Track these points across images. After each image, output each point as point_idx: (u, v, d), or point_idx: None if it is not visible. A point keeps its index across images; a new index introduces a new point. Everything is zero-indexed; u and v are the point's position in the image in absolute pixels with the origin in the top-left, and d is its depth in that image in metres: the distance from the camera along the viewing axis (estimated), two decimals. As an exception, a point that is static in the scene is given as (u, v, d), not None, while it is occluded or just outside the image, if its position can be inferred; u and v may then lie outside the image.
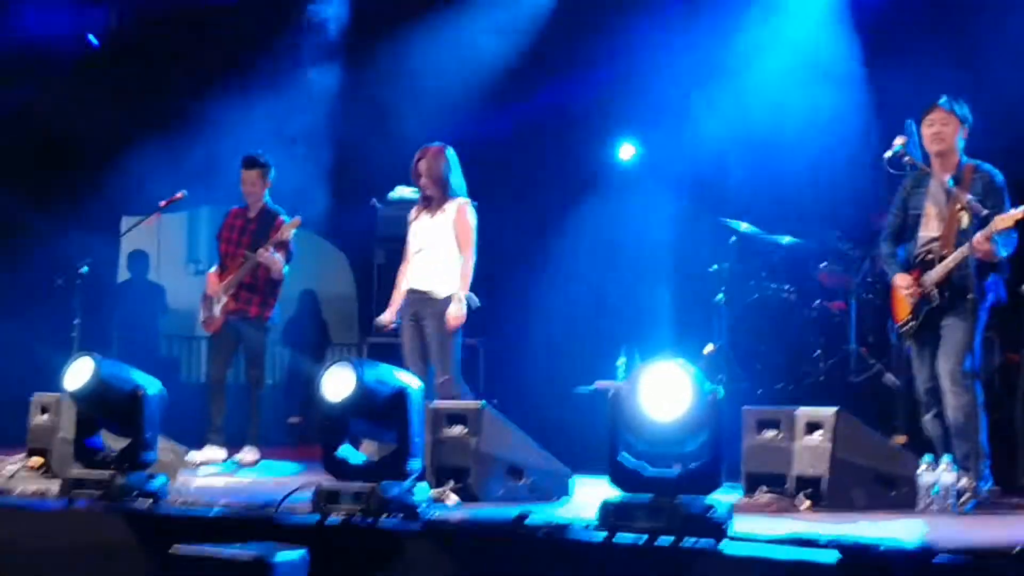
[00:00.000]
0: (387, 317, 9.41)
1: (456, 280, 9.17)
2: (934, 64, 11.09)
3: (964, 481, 7.36)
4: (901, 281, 8.18)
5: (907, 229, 8.25)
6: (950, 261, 7.90)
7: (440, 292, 9.17)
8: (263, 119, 13.30)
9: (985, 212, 7.72)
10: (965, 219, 7.73)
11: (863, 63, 12.02)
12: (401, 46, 13.39)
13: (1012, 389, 9.11)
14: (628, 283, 12.83)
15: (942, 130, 8.06)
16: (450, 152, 9.39)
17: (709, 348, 11.52)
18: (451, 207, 9.26)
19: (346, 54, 13.72)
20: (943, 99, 8.12)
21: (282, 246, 10.69)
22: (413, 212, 9.52)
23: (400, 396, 6.32)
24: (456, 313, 9.06)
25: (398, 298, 9.42)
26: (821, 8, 12.24)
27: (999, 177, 8.04)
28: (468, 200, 9.34)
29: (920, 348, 8.17)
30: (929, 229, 8.12)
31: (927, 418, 8.15)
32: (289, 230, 10.63)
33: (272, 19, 13.64)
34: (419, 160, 9.33)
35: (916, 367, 8.23)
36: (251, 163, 10.97)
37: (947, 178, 8.03)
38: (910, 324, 8.15)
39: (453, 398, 8.65)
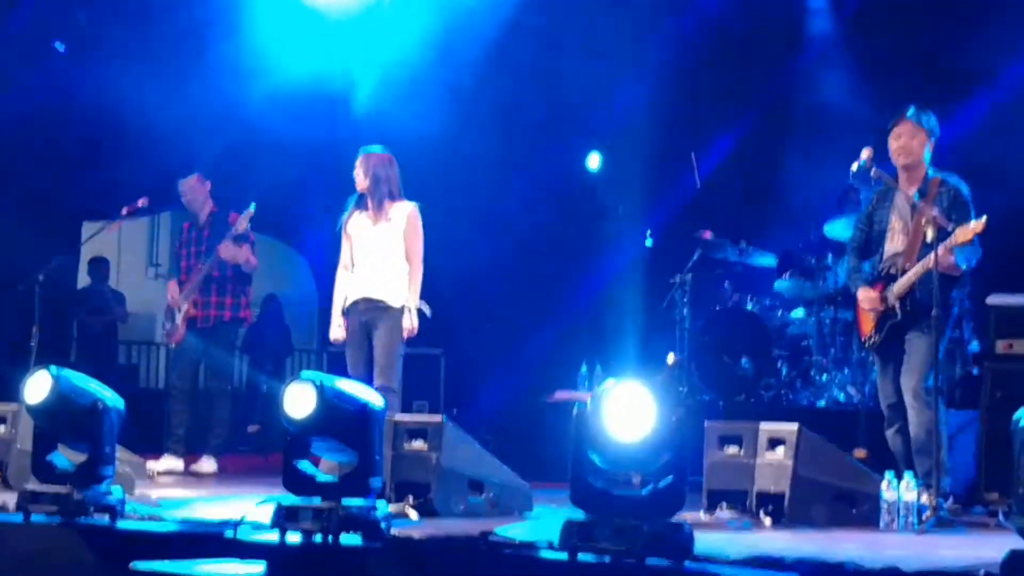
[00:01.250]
0: (341, 334, 9.01)
1: (404, 288, 8.89)
2: (905, 72, 11.21)
3: (925, 498, 7.35)
4: (864, 295, 8.16)
5: (872, 243, 8.24)
6: (912, 275, 7.89)
7: (393, 301, 8.84)
8: (222, 123, 13.24)
9: (951, 226, 7.69)
10: (930, 233, 7.68)
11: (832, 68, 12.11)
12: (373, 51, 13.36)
13: (974, 403, 9.12)
14: (591, 293, 12.82)
15: (909, 143, 8.01)
16: (391, 161, 9.03)
17: (671, 358, 11.51)
18: (397, 213, 8.91)
19: (310, 55, 13.62)
20: (911, 110, 8.06)
21: (241, 238, 10.60)
22: (350, 216, 9.08)
23: (362, 413, 6.25)
24: (411, 325, 8.85)
25: (341, 309, 9.06)
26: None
27: (965, 189, 8.01)
28: (416, 205, 9.02)
29: (884, 362, 8.15)
30: (894, 243, 8.10)
31: (890, 433, 8.14)
32: (244, 221, 10.51)
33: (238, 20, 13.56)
34: (363, 163, 8.97)
35: (880, 382, 8.22)
36: (183, 171, 10.88)
37: (913, 191, 8.00)
38: (873, 338, 8.14)
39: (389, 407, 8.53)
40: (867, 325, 8.20)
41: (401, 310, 8.80)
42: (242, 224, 10.51)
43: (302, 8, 13.01)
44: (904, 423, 7.97)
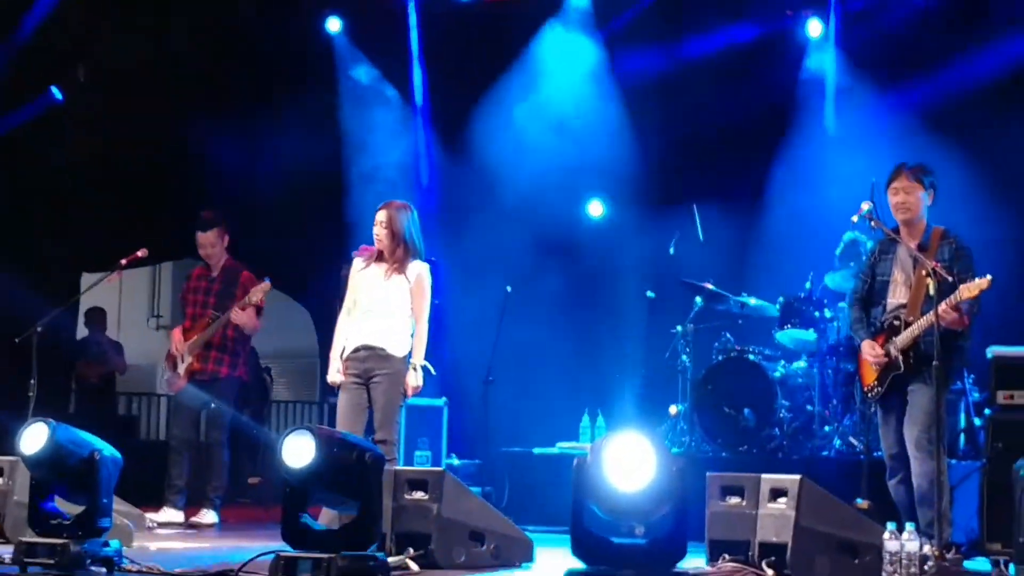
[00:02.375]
0: (339, 377, 8.83)
1: (408, 342, 8.79)
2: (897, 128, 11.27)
3: (928, 548, 7.32)
4: (867, 347, 8.18)
5: (875, 294, 8.25)
6: (916, 328, 7.92)
7: (395, 351, 8.75)
8: (226, 172, 13.28)
9: (951, 279, 7.71)
10: (932, 286, 7.70)
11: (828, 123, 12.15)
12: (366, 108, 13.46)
13: (976, 454, 9.09)
14: (593, 343, 12.80)
15: (907, 199, 8.08)
16: (413, 211, 8.92)
17: (673, 410, 11.48)
18: (412, 271, 8.80)
19: (308, 107, 13.68)
20: (908, 166, 8.13)
21: (255, 307, 10.57)
22: (361, 264, 8.93)
23: (361, 463, 6.23)
24: (416, 383, 8.74)
25: (340, 353, 8.90)
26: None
27: (966, 243, 8.05)
28: (427, 265, 8.93)
29: (886, 413, 8.17)
30: (896, 295, 8.14)
31: (892, 483, 8.15)
32: (259, 294, 10.47)
33: (227, 78, 13.64)
34: (387, 216, 8.78)
35: (882, 432, 8.23)
36: (207, 224, 10.80)
37: (914, 244, 8.04)
38: (876, 389, 8.16)
39: (393, 460, 8.50)
40: (869, 376, 8.22)
41: (402, 361, 8.75)
42: (256, 296, 10.45)
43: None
44: (907, 473, 7.98)
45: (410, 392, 8.74)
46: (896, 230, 8.17)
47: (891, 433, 8.12)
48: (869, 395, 8.28)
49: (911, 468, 7.94)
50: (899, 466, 8.07)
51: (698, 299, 11.50)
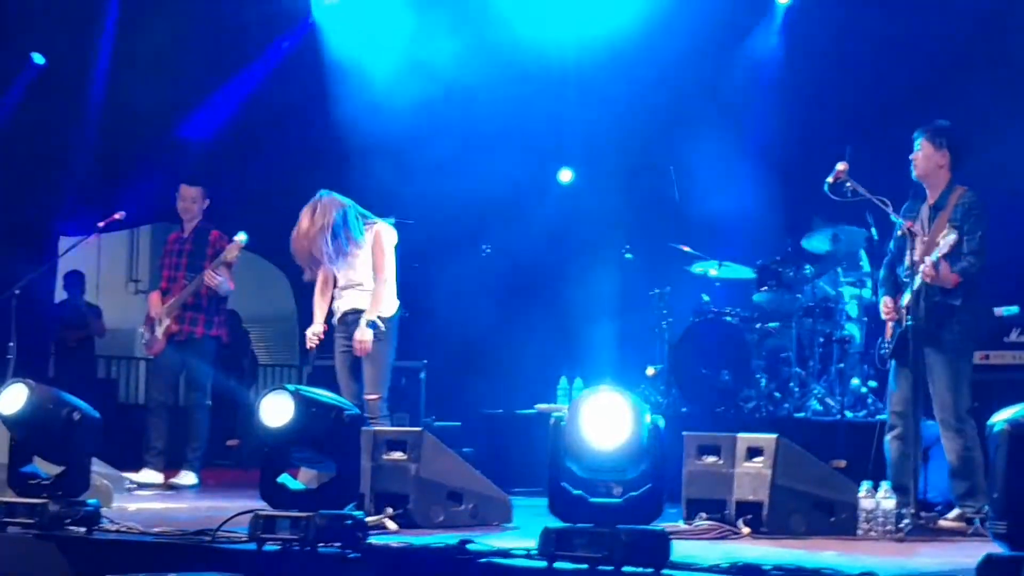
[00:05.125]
0: (317, 328, 9.02)
1: (390, 304, 8.95)
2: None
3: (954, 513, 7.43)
4: (882, 305, 8.30)
5: (901, 252, 8.27)
6: (915, 285, 7.92)
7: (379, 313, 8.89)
8: (201, 135, 13.25)
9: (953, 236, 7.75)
10: (943, 243, 7.74)
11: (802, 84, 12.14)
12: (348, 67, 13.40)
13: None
14: (570, 306, 12.81)
15: (915, 157, 8.17)
16: (336, 213, 8.75)
17: (650, 371, 11.52)
18: (368, 236, 8.89)
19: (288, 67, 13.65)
20: (928, 125, 8.18)
21: (227, 265, 10.62)
22: None
23: (339, 423, 6.24)
24: (361, 337, 8.79)
25: (324, 311, 9.12)
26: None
27: (980, 201, 8.05)
28: (386, 224, 8.98)
29: (896, 369, 8.13)
30: (915, 253, 8.14)
31: (889, 437, 8.08)
32: (235, 251, 10.53)
33: (211, 39, 13.58)
34: (305, 222, 8.78)
35: (891, 386, 8.19)
36: (193, 179, 10.91)
37: (932, 202, 8.11)
38: (887, 345, 8.20)
39: (377, 418, 8.56)
40: (888, 333, 8.26)
41: (387, 322, 8.83)
42: (231, 253, 10.51)
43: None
44: (904, 431, 7.92)
45: (355, 346, 8.78)
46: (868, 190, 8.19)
47: (900, 390, 8.06)
48: (883, 351, 8.31)
49: (943, 444, 7.95)
50: (898, 422, 8.00)
51: (675, 262, 11.53)
